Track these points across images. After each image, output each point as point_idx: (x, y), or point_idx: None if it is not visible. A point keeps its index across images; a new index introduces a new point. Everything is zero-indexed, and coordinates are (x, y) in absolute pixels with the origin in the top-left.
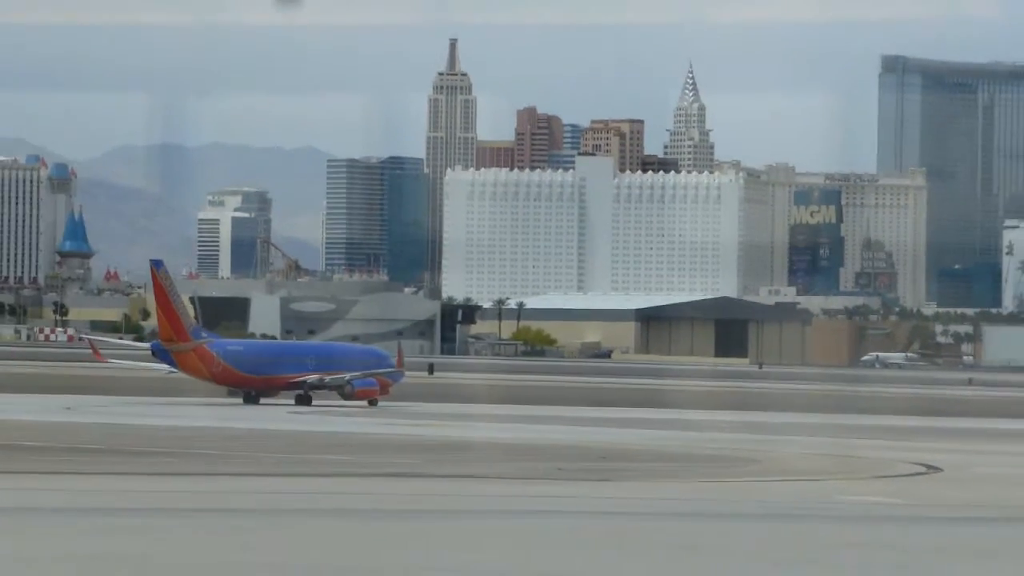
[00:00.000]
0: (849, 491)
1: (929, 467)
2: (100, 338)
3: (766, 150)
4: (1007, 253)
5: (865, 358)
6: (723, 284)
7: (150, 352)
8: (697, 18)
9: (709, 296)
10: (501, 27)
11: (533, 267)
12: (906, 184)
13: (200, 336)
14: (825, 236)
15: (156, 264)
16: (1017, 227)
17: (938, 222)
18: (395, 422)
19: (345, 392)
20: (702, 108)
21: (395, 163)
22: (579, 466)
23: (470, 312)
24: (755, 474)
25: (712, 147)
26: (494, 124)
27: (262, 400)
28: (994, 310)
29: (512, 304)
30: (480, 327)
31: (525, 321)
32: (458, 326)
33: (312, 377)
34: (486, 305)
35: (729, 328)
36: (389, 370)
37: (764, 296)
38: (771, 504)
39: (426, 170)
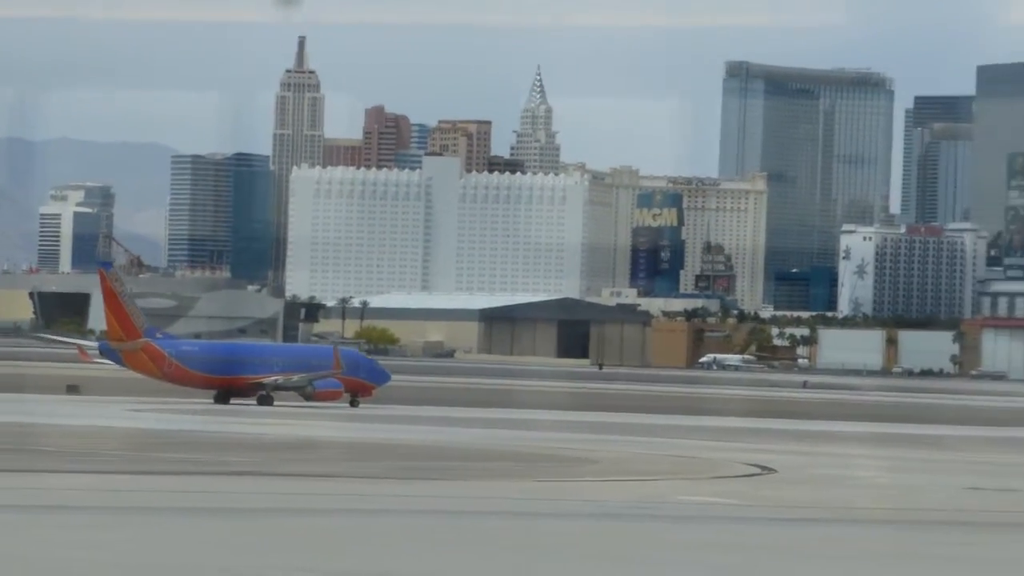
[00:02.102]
0: (686, 491)
1: (764, 468)
2: (54, 337)
3: (611, 153)
4: (844, 257)
5: (703, 360)
6: (566, 285)
7: (98, 352)
8: (546, 21)
9: (552, 297)
10: (350, 26)
11: (378, 266)
12: (747, 188)
13: (154, 337)
14: (666, 239)
15: (105, 266)
16: (854, 232)
17: (777, 226)
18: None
19: (306, 393)
20: (549, 110)
21: (241, 160)
22: (418, 465)
23: (313, 310)
24: (593, 474)
25: (558, 149)
26: (342, 122)
27: (232, 400)
28: (830, 313)
29: (356, 303)
30: (323, 326)
31: (369, 320)
32: (301, 324)
33: (273, 378)
34: (330, 304)
35: (571, 329)
36: (324, 373)
37: (606, 297)
38: (607, 504)
39: (272, 167)
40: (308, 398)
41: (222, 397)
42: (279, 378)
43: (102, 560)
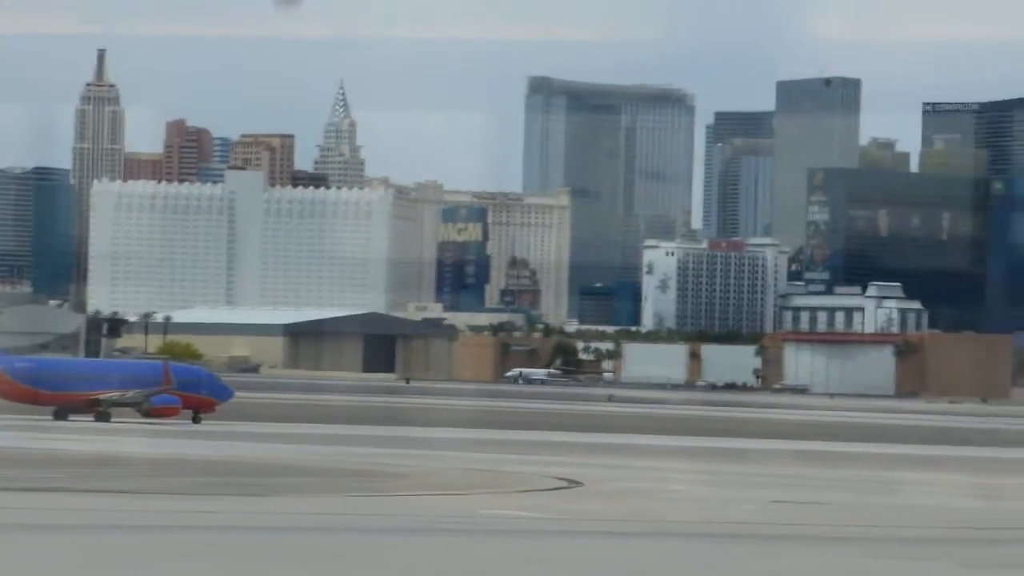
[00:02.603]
0: (492, 505)
1: (570, 481)
2: None
3: (416, 168)
4: (647, 272)
5: (509, 374)
6: (372, 300)
7: None
8: (350, 34)
9: (358, 311)
10: (150, 38)
11: (181, 281)
12: (551, 203)
13: None
14: (472, 253)
15: None
16: (657, 247)
17: (581, 241)
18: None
19: (143, 409)
20: (353, 124)
21: (41, 174)
22: (225, 480)
23: (116, 326)
24: (401, 488)
25: (363, 163)
26: (143, 136)
27: (70, 416)
28: (634, 328)
29: (159, 318)
30: (126, 341)
31: (172, 335)
32: (103, 340)
33: (110, 395)
34: (133, 319)
35: (377, 343)
36: (157, 389)
37: (412, 312)
38: (414, 518)
39: (73, 181)
40: (145, 414)
41: (61, 414)
42: (115, 394)
43: None
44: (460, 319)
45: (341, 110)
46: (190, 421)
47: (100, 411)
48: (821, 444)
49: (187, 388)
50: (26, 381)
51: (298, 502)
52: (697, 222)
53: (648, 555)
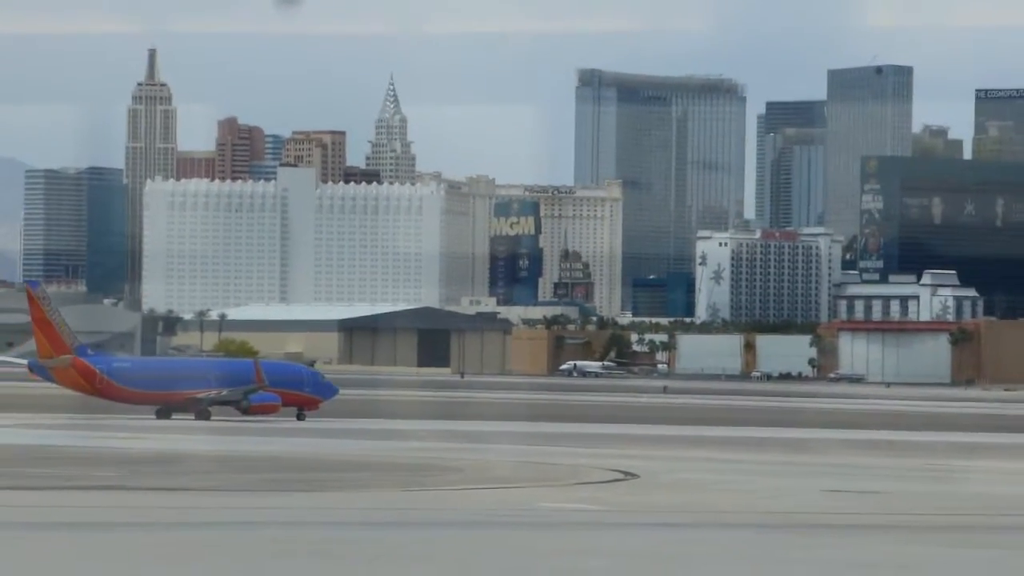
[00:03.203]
0: (549, 498)
1: (626, 473)
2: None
3: (467, 162)
4: (700, 263)
5: (563, 367)
6: (425, 294)
7: (28, 369)
8: (399, 30)
9: (412, 306)
10: (201, 36)
11: (235, 278)
12: (602, 196)
13: (85, 353)
14: (524, 247)
15: (32, 284)
16: (709, 238)
17: (633, 233)
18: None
19: (242, 407)
20: (403, 120)
21: (95, 173)
22: (286, 476)
23: (171, 323)
24: (458, 482)
25: (414, 159)
26: (195, 135)
27: (174, 416)
28: (688, 319)
29: (214, 315)
30: (181, 339)
31: (227, 332)
32: (159, 338)
33: (208, 393)
34: (187, 316)
35: (431, 338)
36: (252, 387)
37: (465, 306)
38: (472, 512)
39: (126, 180)
40: (244, 412)
41: (164, 413)
42: (213, 393)
43: None
44: (513, 313)
45: (392, 105)
46: (295, 418)
47: (200, 410)
48: (877, 433)
49: (288, 386)
50: (123, 381)
51: (354, 497)
52: (749, 212)
53: (705, 546)
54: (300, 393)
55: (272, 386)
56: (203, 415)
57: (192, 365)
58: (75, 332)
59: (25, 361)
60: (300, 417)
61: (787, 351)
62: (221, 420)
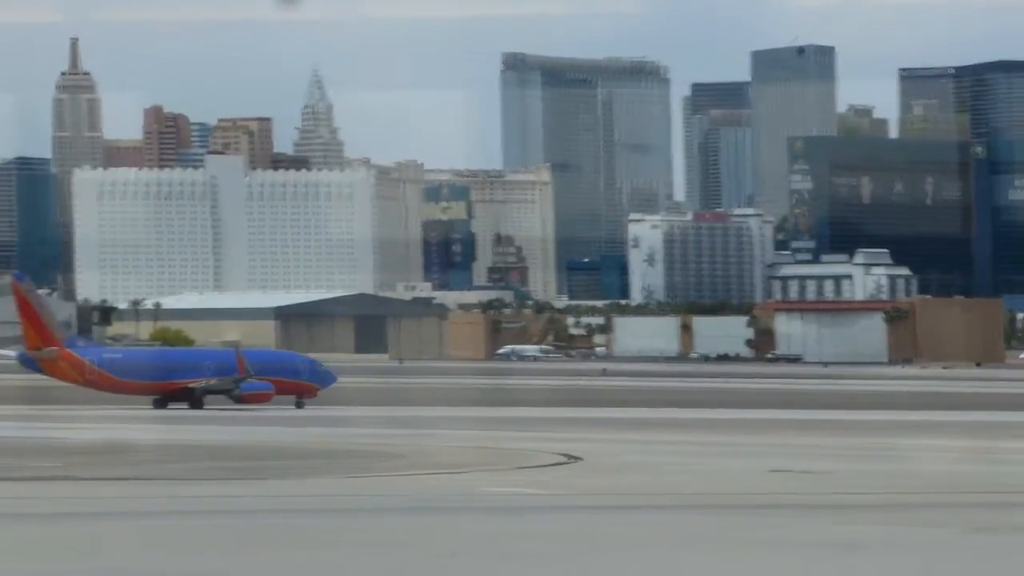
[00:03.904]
0: (492, 482)
1: (570, 456)
2: None
3: (395, 147)
4: (633, 246)
5: (501, 351)
6: (360, 281)
7: (17, 361)
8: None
9: (347, 293)
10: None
11: (169, 267)
12: (532, 179)
13: (75, 345)
14: (457, 232)
15: (18, 277)
16: (641, 220)
17: (565, 216)
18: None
19: (234, 396)
20: (330, 106)
21: (22, 163)
22: (230, 465)
23: (107, 313)
24: (400, 468)
25: (342, 145)
26: (121, 123)
27: (169, 405)
28: (623, 301)
29: (149, 304)
30: (117, 328)
31: (163, 321)
32: (94, 327)
33: (200, 383)
34: (122, 306)
35: (368, 324)
36: (242, 376)
37: (401, 292)
38: (415, 498)
39: (54, 170)
40: (237, 400)
41: (160, 403)
42: (206, 382)
43: None
44: (449, 298)
45: (318, 91)
46: (293, 406)
47: (194, 399)
48: (817, 413)
49: (284, 374)
50: (115, 371)
51: (297, 484)
52: (680, 194)
53: (650, 527)
54: (297, 381)
55: (267, 375)
56: (197, 404)
57: (184, 355)
58: (11, 322)
59: (13, 354)
60: (299, 405)
61: (724, 332)
62: (214, 409)
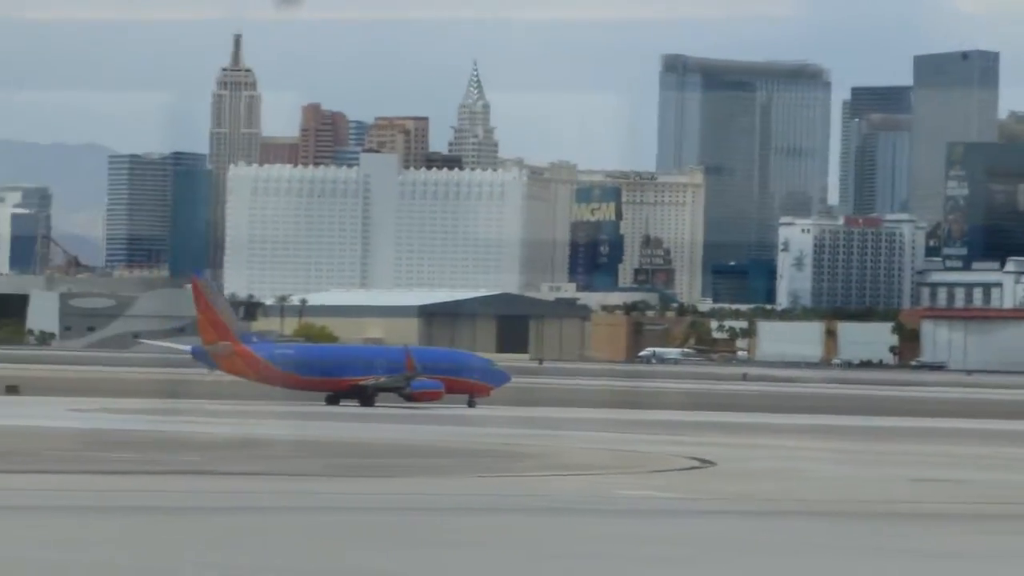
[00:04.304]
0: (625, 485)
1: (703, 461)
2: (149, 342)
3: (549, 148)
4: (782, 250)
5: (642, 353)
6: (505, 280)
7: (191, 355)
8: (481, 15)
9: (492, 292)
10: (285, 23)
11: (316, 263)
12: (685, 182)
13: (250, 340)
14: (605, 233)
15: (198, 272)
16: (792, 224)
17: (715, 219)
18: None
19: (405, 394)
20: (486, 106)
21: (178, 159)
22: (359, 462)
23: (252, 309)
24: (535, 469)
25: (496, 145)
26: (279, 120)
27: (342, 401)
28: (769, 306)
29: (295, 300)
30: (262, 324)
31: (307, 318)
32: (240, 323)
33: (371, 380)
34: (268, 302)
35: (511, 324)
36: (408, 375)
37: (545, 292)
38: (549, 498)
39: (209, 166)
40: (407, 399)
41: (333, 399)
42: (376, 380)
43: (52, 558)
44: (593, 299)
45: (475, 91)
46: (466, 405)
47: (365, 396)
48: (960, 422)
49: (456, 373)
50: (287, 367)
51: (434, 483)
52: (833, 199)
53: (781, 534)
54: (469, 380)
55: (438, 374)
56: (368, 401)
57: (356, 352)
58: (161, 316)
59: (188, 348)
60: (471, 404)
61: (868, 338)
62: (385, 406)
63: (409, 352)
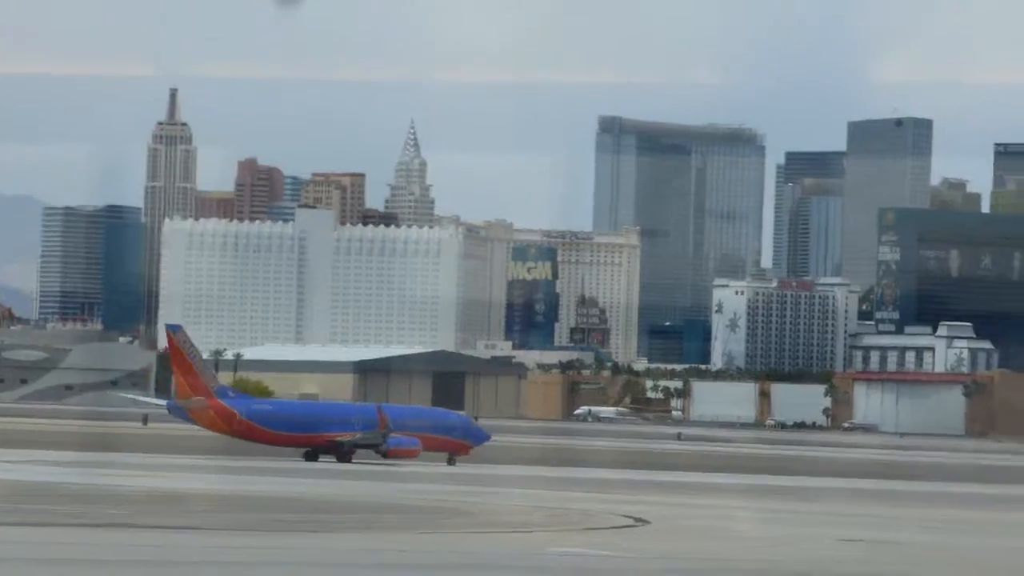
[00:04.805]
0: (558, 543)
1: (637, 519)
2: (129, 396)
3: (485, 207)
4: (716, 311)
5: (578, 412)
6: (441, 338)
7: (166, 410)
8: (420, 76)
9: (427, 349)
10: (222, 79)
11: (252, 318)
12: (620, 242)
13: (226, 395)
14: (541, 292)
15: (173, 329)
16: (726, 286)
17: (651, 280)
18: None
19: (381, 451)
20: (423, 164)
21: (113, 212)
22: (294, 518)
23: None
24: (468, 526)
25: (433, 202)
26: (214, 175)
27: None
28: (703, 366)
29: (230, 355)
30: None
31: (243, 372)
32: (173, 376)
33: (348, 436)
34: (203, 356)
35: (446, 380)
36: (382, 431)
37: (481, 350)
38: (481, 556)
39: (144, 220)
40: (384, 455)
41: (312, 455)
42: (352, 436)
43: None
44: (529, 357)
45: (412, 149)
46: (445, 463)
47: (342, 452)
48: (890, 483)
49: (434, 431)
50: (264, 423)
51: (367, 539)
52: (767, 262)
53: None
54: (447, 438)
55: (417, 431)
56: (344, 458)
57: (333, 409)
58: (94, 369)
59: (163, 403)
60: (451, 462)
61: (802, 400)
62: (360, 463)
63: (381, 409)
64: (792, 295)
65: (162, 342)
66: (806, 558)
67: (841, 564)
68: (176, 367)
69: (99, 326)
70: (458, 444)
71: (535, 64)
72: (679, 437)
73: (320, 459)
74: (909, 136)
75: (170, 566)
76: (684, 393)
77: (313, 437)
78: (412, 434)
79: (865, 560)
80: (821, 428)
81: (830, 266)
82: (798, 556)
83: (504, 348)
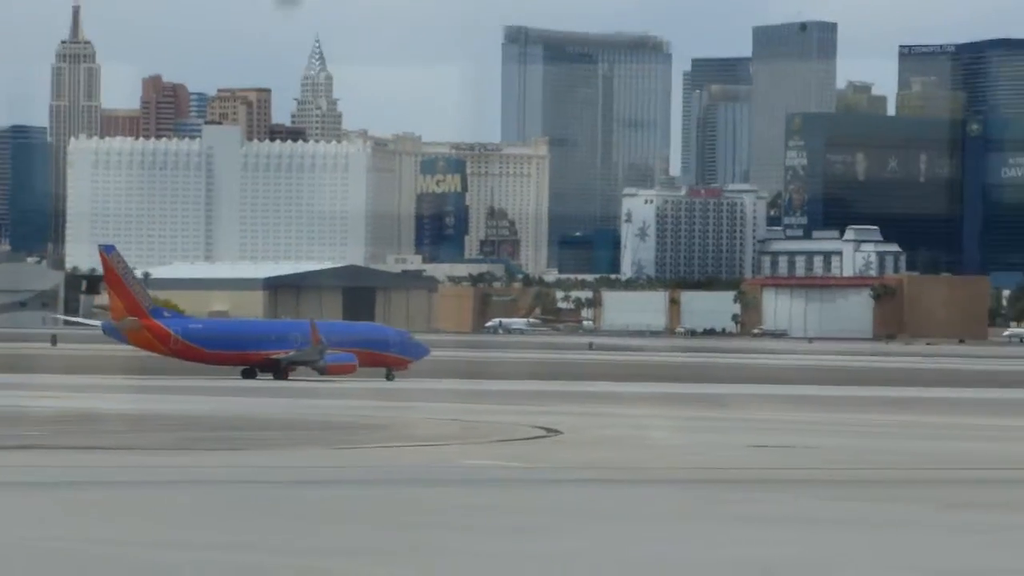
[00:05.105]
0: (471, 455)
1: (549, 430)
2: (62, 317)
3: (393, 120)
4: (626, 220)
5: (489, 324)
6: (351, 253)
7: (101, 331)
8: None
9: (338, 264)
10: None
11: (160, 237)
12: (529, 154)
13: (161, 316)
14: (450, 205)
15: (107, 249)
16: (635, 195)
17: (560, 191)
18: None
19: (319, 368)
20: (329, 78)
21: (18, 132)
22: (210, 435)
23: (94, 283)
24: (380, 440)
25: (340, 117)
26: (119, 93)
27: (259, 375)
28: (613, 276)
29: (138, 274)
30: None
31: (152, 290)
32: (83, 296)
33: (284, 354)
34: None
35: (357, 296)
36: (318, 347)
37: (391, 264)
38: (393, 469)
39: (49, 139)
40: (321, 372)
41: (249, 373)
42: (289, 353)
43: None
44: (440, 270)
45: (317, 64)
46: (384, 379)
47: (279, 370)
48: (800, 388)
49: (371, 346)
50: (199, 342)
51: (283, 455)
52: (675, 169)
53: (628, 502)
54: (386, 354)
55: (354, 347)
56: (281, 375)
57: (269, 326)
58: (3, 291)
59: (98, 323)
60: (389, 377)
61: (711, 307)
62: (297, 380)
63: (314, 325)
64: (700, 202)
65: (80, 262)
66: (716, 464)
67: (748, 469)
68: (110, 288)
69: (6, 247)
70: (396, 359)
71: None
72: (590, 347)
73: (258, 377)
74: (814, 40)
75: (63, 487)
76: (595, 303)
77: (249, 355)
78: (349, 350)
79: (771, 465)
80: (731, 335)
81: (738, 172)
82: (709, 463)
83: (414, 262)
